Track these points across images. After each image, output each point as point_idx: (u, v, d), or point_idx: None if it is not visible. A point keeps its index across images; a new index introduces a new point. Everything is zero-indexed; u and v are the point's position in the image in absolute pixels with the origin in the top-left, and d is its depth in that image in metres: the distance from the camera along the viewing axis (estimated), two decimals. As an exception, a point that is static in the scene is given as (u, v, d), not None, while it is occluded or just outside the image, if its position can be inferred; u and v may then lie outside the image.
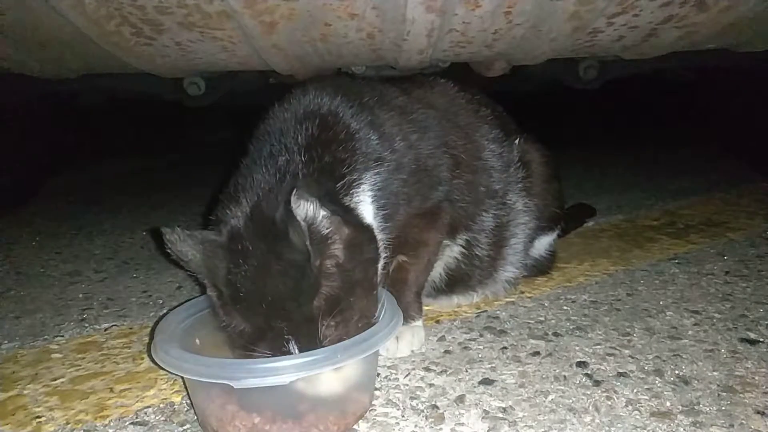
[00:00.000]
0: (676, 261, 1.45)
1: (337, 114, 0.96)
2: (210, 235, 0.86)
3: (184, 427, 0.83)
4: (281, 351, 0.77)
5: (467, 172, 1.10)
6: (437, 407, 0.85)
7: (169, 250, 0.82)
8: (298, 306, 0.77)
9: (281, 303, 0.77)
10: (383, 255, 0.94)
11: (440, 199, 1.04)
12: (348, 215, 0.87)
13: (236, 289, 0.79)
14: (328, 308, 0.79)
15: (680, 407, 0.82)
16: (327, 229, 0.80)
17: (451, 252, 1.14)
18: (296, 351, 0.77)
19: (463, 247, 1.14)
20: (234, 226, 0.84)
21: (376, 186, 0.94)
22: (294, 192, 0.75)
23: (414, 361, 0.99)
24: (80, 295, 1.39)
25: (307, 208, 0.77)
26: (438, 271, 1.16)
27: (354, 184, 0.92)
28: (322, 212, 0.79)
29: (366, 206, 0.93)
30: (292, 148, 0.91)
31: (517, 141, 1.24)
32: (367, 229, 0.89)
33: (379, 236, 0.94)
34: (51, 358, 1.07)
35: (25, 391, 0.95)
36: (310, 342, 0.77)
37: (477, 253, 1.15)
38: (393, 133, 1.00)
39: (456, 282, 1.18)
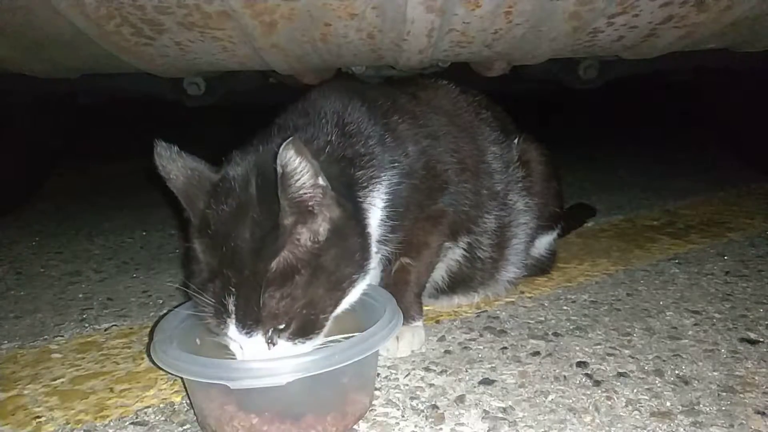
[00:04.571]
0: (676, 261, 1.45)
1: (355, 115, 0.96)
2: (203, 166, 0.85)
3: (184, 427, 0.83)
4: (221, 303, 0.75)
5: (472, 176, 1.11)
6: (437, 407, 0.85)
7: (156, 163, 0.81)
8: (253, 260, 0.74)
9: (239, 251, 0.75)
10: (370, 269, 0.88)
11: (446, 203, 1.05)
12: (350, 203, 0.84)
13: (207, 225, 0.78)
14: (281, 278, 0.75)
15: (680, 407, 0.82)
16: (315, 198, 0.77)
17: (454, 255, 1.14)
18: (232, 309, 0.74)
19: (465, 250, 1.14)
20: (231, 168, 0.84)
21: (390, 189, 0.94)
22: (290, 140, 0.71)
23: (414, 361, 0.99)
24: (80, 295, 1.39)
25: (295, 162, 0.72)
26: (440, 273, 1.16)
27: (373, 180, 0.91)
28: (320, 180, 0.76)
29: (376, 210, 0.93)
30: (318, 129, 0.91)
31: (516, 140, 1.25)
32: (362, 234, 0.86)
33: (383, 242, 0.94)
34: (51, 358, 1.07)
35: (25, 391, 0.95)
36: (247, 304, 0.74)
37: (479, 254, 1.15)
38: (406, 138, 1.00)
39: (458, 283, 1.18)
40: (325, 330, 0.82)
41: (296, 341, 0.78)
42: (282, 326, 0.76)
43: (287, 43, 1.26)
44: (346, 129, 0.94)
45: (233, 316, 0.75)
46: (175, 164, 0.82)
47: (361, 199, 0.90)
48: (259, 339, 0.76)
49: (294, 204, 0.75)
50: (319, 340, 0.81)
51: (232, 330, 0.76)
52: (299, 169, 0.72)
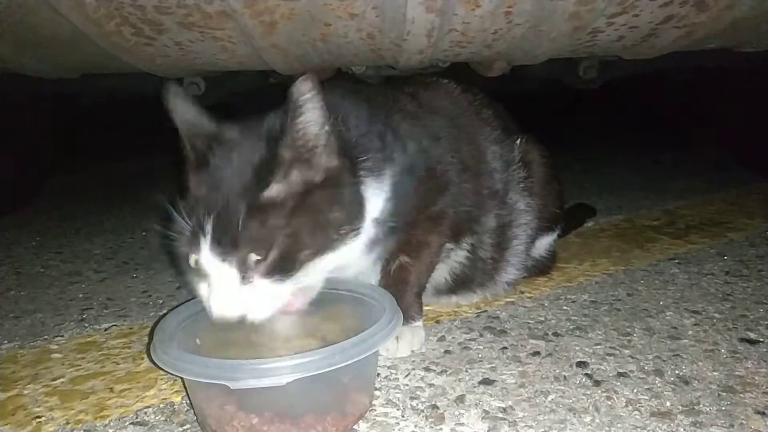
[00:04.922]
0: (676, 261, 1.45)
1: (355, 114, 0.97)
2: (210, 116, 0.86)
3: (184, 427, 0.83)
4: (199, 223, 0.73)
5: (472, 177, 1.10)
6: (437, 407, 0.85)
7: (165, 99, 0.82)
8: (241, 186, 0.74)
9: (230, 179, 0.75)
10: (362, 229, 0.86)
11: (446, 204, 1.04)
12: (348, 162, 0.84)
13: (205, 161, 0.79)
14: (266, 204, 0.73)
15: (680, 407, 0.82)
16: (319, 141, 0.76)
17: (457, 257, 1.14)
18: (209, 229, 0.72)
19: (468, 251, 1.14)
20: (237, 123, 0.85)
21: (389, 184, 0.94)
22: (308, 74, 0.70)
23: (414, 361, 0.99)
24: (80, 295, 1.39)
25: (310, 95, 0.71)
26: (443, 275, 1.16)
27: (373, 170, 0.91)
28: (326, 126, 0.75)
29: (373, 197, 0.92)
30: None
31: (518, 141, 1.24)
32: (357, 192, 0.85)
33: (380, 240, 0.94)
34: (51, 358, 1.07)
35: (25, 391, 0.94)
36: (226, 225, 0.72)
37: (481, 255, 1.15)
38: (406, 136, 1.00)
39: (458, 284, 1.18)
40: (305, 273, 0.79)
41: (273, 278, 0.75)
42: (259, 257, 0.73)
43: (287, 43, 1.26)
44: (347, 125, 0.93)
45: (209, 236, 0.72)
46: (183, 105, 0.85)
47: (361, 180, 0.89)
48: (232, 267, 0.73)
49: (297, 140, 0.74)
50: (296, 282, 0.79)
51: (205, 253, 0.73)
52: (311, 103, 0.72)
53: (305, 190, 0.78)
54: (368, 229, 0.92)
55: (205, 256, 0.74)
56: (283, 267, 0.76)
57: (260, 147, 0.79)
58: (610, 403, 0.84)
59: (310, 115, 0.73)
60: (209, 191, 0.77)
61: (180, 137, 0.85)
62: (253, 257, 0.74)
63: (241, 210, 0.72)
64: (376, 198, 0.92)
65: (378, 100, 1.04)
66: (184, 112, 0.85)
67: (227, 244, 0.72)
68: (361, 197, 0.88)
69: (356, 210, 0.84)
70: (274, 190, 0.75)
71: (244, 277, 0.75)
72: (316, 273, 0.81)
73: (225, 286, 0.75)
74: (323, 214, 0.79)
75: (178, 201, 0.81)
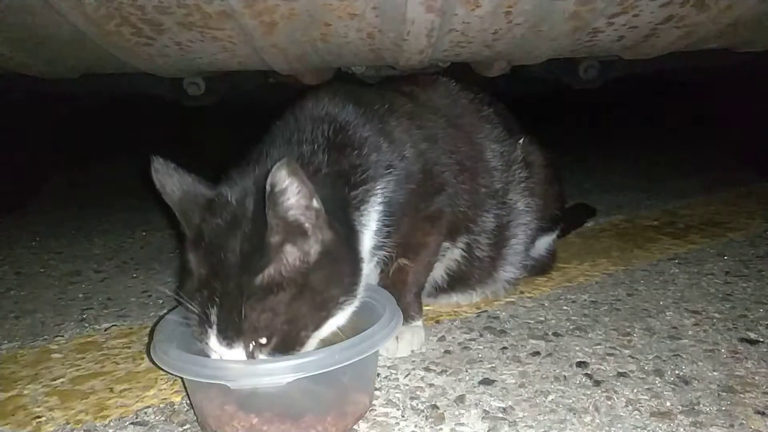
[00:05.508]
0: (676, 261, 1.45)
1: (349, 121, 0.96)
2: (198, 183, 0.85)
3: (184, 427, 0.83)
4: (204, 313, 0.75)
5: (470, 177, 1.10)
6: (437, 407, 0.84)
7: (152, 177, 0.82)
8: (239, 274, 0.75)
9: (227, 264, 0.76)
10: (359, 294, 0.86)
11: (443, 204, 1.04)
12: (343, 227, 0.84)
13: (201, 238, 0.79)
14: (264, 292, 0.75)
15: (680, 407, 0.82)
16: (308, 220, 0.76)
17: (453, 255, 1.14)
18: (214, 319, 0.74)
19: (463, 250, 1.14)
20: (229, 184, 0.85)
21: (386, 196, 0.94)
22: (283, 160, 0.71)
23: (414, 361, 0.99)
24: (80, 295, 1.39)
25: (286, 182, 0.71)
26: (439, 272, 1.16)
27: (368, 194, 0.91)
28: (314, 202, 0.76)
29: (371, 224, 0.93)
30: (312, 145, 0.90)
31: (521, 141, 1.24)
32: (353, 259, 0.86)
33: (379, 247, 0.95)
34: (51, 358, 1.07)
35: (25, 391, 0.94)
36: (228, 315, 0.74)
37: (477, 254, 1.15)
38: (403, 141, 1.00)
39: (456, 282, 1.18)
40: (307, 348, 0.80)
41: (277, 353, 0.77)
42: (263, 341, 0.76)
43: (287, 43, 1.26)
44: (340, 139, 0.93)
45: (215, 326, 0.75)
46: (171, 180, 0.83)
47: (354, 220, 0.90)
48: (239, 352, 0.76)
49: (282, 223, 0.75)
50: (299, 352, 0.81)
51: (213, 341, 0.76)
52: (291, 189, 0.73)
53: (302, 271, 0.77)
54: (367, 242, 0.93)
55: (213, 344, 0.77)
56: (286, 347, 0.78)
57: (254, 227, 0.77)
58: (610, 403, 0.84)
59: (292, 200, 0.74)
60: (209, 275, 0.77)
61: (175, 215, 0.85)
62: (258, 342, 0.76)
63: (241, 299, 0.74)
64: (374, 211, 0.93)
65: (372, 104, 1.02)
66: (174, 186, 0.83)
67: (232, 335, 0.75)
68: (358, 261, 0.87)
69: (353, 279, 0.85)
70: (269, 273, 0.76)
71: (251, 356, 0.77)
72: (316, 340, 0.83)
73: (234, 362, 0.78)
74: (321, 294, 0.79)
75: (181, 281, 0.84)
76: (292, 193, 0.73)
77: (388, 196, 0.94)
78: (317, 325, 0.80)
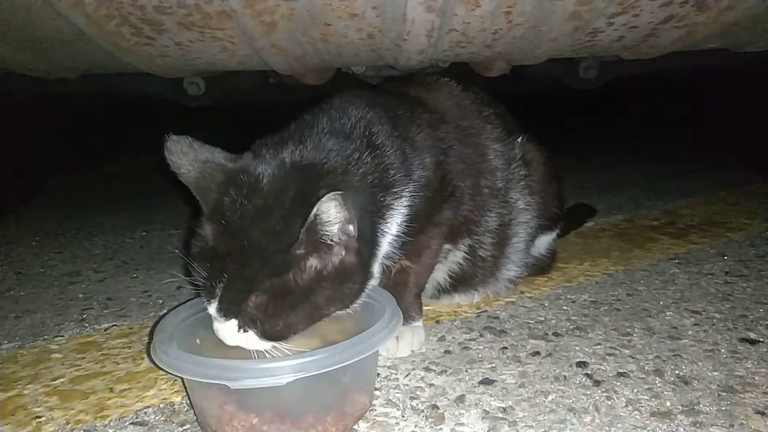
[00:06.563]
0: (676, 261, 1.45)
1: (381, 127, 0.96)
2: (217, 155, 0.85)
3: (184, 427, 0.83)
4: (212, 283, 0.78)
5: (475, 180, 1.11)
6: (437, 407, 0.85)
7: (166, 158, 0.82)
8: (255, 267, 0.76)
9: (247, 252, 0.76)
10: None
11: (449, 208, 1.05)
12: (366, 247, 0.85)
13: (222, 213, 0.79)
14: (271, 293, 0.77)
15: (680, 407, 0.82)
16: (341, 241, 0.79)
17: (455, 257, 1.14)
18: (218, 293, 0.77)
19: (466, 252, 1.14)
20: (257, 162, 0.84)
21: (408, 203, 0.94)
22: (336, 194, 0.73)
23: (414, 361, 0.99)
24: (80, 295, 1.39)
25: (332, 214, 0.75)
26: (442, 275, 1.16)
27: (394, 198, 0.92)
28: (350, 228, 0.79)
29: (392, 230, 0.93)
30: (349, 142, 0.90)
31: (519, 139, 1.24)
32: (363, 281, 0.87)
33: (389, 256, 0.95)
34: (51, 358, 1.07)
35: (25, 391, 0.95)
36: (232, 298, 0.77)
37: (480, 254, 1.15)
38: (423, 148, 1.00)
39: (459, 283, 1.18)
40: (293, 340, 0.83)
41: (263, 338, 0.81)
42: (255, 328, 0.80)
43: (287, 43, 1.26)
44: (374, 141, 0.92)
45: (217, 299, 0.78)
46: (186, 158, 0.83)
47: (379, 228, 0.90)
48: (232, 323, 0.80)
49: (314, 242, 0.77)
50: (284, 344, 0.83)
51: (213, 308, 0.79)
52: (335, 220, 0.76)
53: (314, 281, 0.79)
54: (383, 249, 0.93)
55: (212, 311, 0.80)
56: (272, 337, 0.81)
57: (280, 225, 0.77)
58: (610, 403, 0.84)
59: (331, 228, 0.77)
60: (225, 251, 0.78)
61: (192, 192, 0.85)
62: (250, 326, 0.80)
63: (249, 290, 0.77)
64: (398, 215, 0.93)
65: (395, 110, 1.02)
66: (188, 167, 0.82)
67: (231, 314, 0.79)
68: (367, 279, 0.88)
69: (355, 298, 0.87)
70: (284, 279, 0.78)
71: (242, 328, 0.80)
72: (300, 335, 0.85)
73: (227, 331, 0.81)
74: (320, 310, 0.83)
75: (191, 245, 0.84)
76: (335, 223, 0.76)
77: (409, 204, 0.95)
78: (306, 326, 0.83)
